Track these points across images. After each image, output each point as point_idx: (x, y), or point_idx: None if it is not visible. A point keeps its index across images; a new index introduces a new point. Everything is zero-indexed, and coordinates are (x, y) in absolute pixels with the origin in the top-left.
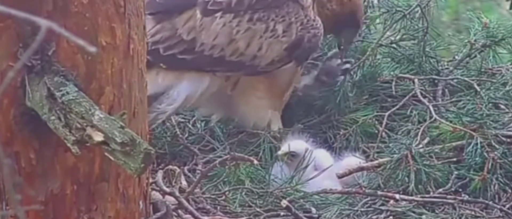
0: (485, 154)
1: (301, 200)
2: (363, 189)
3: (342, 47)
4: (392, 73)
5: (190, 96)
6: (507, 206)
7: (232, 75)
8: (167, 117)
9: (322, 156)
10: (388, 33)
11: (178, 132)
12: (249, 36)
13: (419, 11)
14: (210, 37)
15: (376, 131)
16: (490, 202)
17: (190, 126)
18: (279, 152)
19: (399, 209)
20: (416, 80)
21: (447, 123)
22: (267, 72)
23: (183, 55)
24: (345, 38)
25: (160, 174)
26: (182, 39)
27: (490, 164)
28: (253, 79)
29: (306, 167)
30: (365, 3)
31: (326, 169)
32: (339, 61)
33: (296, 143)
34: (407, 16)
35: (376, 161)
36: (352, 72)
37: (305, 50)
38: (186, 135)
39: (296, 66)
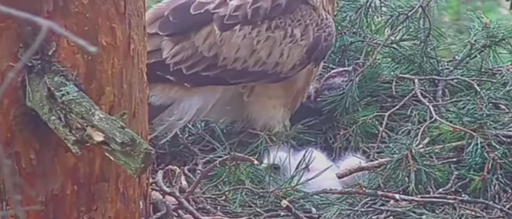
0: (485, 154)
1: (301, 200)
2: (363, 189)
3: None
4: (392, 73)
5: (201, 109)
6: (507, 206)
7: (254, 84)
8: (177, 129)
9: (317, 159)
10: (389, 33)
11: (178, 132)
12: (269, 45)
13: (421, 11)
14: (231, 50)
15: (376, 131)
16: (490, 202)
17: (190, 126)
18: (262, 165)
19: (399, 209)
20: (416, 80)
21: (447, 123)
22: (289, 77)
23: (206, 72)
24: None
25: (160, 174)
26: (204, 56)
27: (490, 164)
28: (271, 84)
29: (293, 176)
30: (367, 4)
31: (326, 169)
32: (343, 79)
33: (279, 155)
34: (410, 17)
35: (376, 161)
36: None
37: (322, 49)
38: (186, 135)
39: (314, 67)
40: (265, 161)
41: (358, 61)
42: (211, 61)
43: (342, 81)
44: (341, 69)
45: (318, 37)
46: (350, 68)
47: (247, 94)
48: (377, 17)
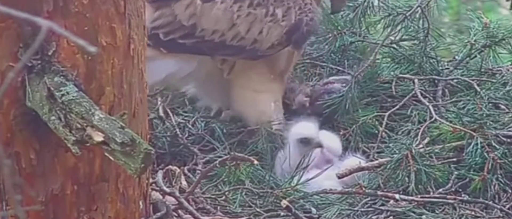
0: (485, 154)
1: (301, 200)
2: (363, 189)
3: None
4: (392, 73)
5: (174, 74)
6: (507, 206)
7: (231, 59)
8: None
9: (330, 140)
10: (388, 33)
11: (178, 132)
12: (249, 21)
13: (420, 12)
14: (210, 22)
15: (376, 131)
16: (490, 202)
17: (190, 126)
18: (294, 138)
19: (399, 209)
20: (416, 80)
21: (447, 123)
22: (266, 56)
23: (183, 39)
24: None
25: (160, 174)
26: (183, 25)
27: (490, 164)
28: (250, 63)
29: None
30: (365, 4)
31: (326, 169)
32: (341, 84)
33: (307, 127)
34: (408, 17)
35: (376, 161)
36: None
37: (303, 33)
38: (186, 135)
39: (293, 50)
40: (294, 132)
41: (359, 72)
42: (189, 30)
43: (342, 85)
44: (340, 77)
45: (299, 20)
46: (349, 77)
47: (227, 72)
48: (374, 16)
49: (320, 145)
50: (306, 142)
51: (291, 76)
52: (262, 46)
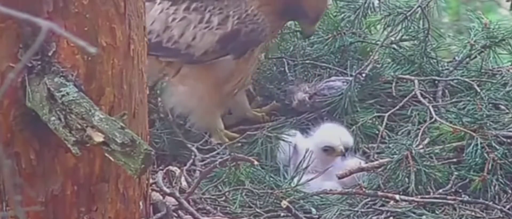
0: (485, 154)
1: (301, 201)
2: (363, 189)
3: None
4: (392, 74)
5: None
6: (508, 206)
7: (172, 61)
8: None
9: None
10: (387, 33)
11: (178, 132)
12: (183, 25)
13: (420, 12)
14: (147, 22)
15: (376, 132)
16: (490, 203)
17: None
18: (318, 146)
19: (399, 210)
20: (416, 81)
21: (447, 123)
22: (203, 62)
23: None
24: (302, 29)
25: (160, 174)
26: None
27: (490, 165)
28: (193, 68)
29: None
30: (366, 5)
31: (326, 170)
32: (342, 83)
33: (331, 134)
34: (408, 17)
35: (376, 162)
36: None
37: (241, 43)
38: (186, 135)
39: (233, 59)
40: (335, 142)
41: (360, 71)
42: None
43: (343, 83)
44: (342, 77)
45: (236, 30)
46: (351, 78)
47: (172, 74)
48: (374, 16)
49: (343, 154)
50: (330, 151)
51: (249, 84)
52: (196, 52)
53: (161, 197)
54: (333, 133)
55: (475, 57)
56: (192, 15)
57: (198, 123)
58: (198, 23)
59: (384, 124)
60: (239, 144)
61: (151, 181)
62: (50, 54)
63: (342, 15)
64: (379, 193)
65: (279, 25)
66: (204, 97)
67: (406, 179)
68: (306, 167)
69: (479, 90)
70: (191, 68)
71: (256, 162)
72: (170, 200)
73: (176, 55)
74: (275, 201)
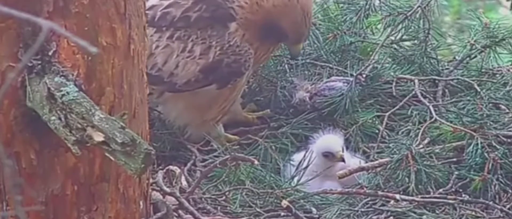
0: (486, 154)
1: (302, 201)
2: (364, 189)
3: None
4: (392, 73)
5: None
6: (508, 206)
7: (156, 88)
8: None
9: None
10: (388, 33)
11: (178, 133)
12: (167, 53)
13: (420, 12)
14: None
15: (377, 132)
16: (491, 203)
17: None
18: (319, 151)
19: (399, 210)
20: (416, 81)
21: (448, 123)
22: (186, 90)
23: None
24: (289, 50)
25: (160, 174)
26: None
27: (490, 165)
28: (175, 95)
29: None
30: (367, 6)
31: (326, 169)
32: (343, 83)
33: (332, 142)
34: (409, 17)
35: (377, 162)
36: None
37: (223, 74)
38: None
39: (217, 89)
40: (337, 150)
41: (360, 72)
42: None
43: (343, 84)
44: (342, 78)
45: (218, 61)
46: (352, 79)
47: (156, 95)
48: (375, 16)
49: (343, 160)
50: (330, 156)
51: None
52: (178, 80)
53: (161, 197)
54: (333, 140)
55: (476, 56)
56: (175, 44)
57: (194, 134)
58: (181, 52)
59: (384, 124)
60: (238, 146)
61: (151, 180)
62: (50, 53)
63: (344, 17)
64: (379, 192)
65: (267, 48)
66: (190, 117)
67: (406, 179)
68: (306, 167)
69: (479, 90)
70: (173, 94)
71: (256, 162)
72: (170, 200)
73: (159, 82)
74: (275, 200)
